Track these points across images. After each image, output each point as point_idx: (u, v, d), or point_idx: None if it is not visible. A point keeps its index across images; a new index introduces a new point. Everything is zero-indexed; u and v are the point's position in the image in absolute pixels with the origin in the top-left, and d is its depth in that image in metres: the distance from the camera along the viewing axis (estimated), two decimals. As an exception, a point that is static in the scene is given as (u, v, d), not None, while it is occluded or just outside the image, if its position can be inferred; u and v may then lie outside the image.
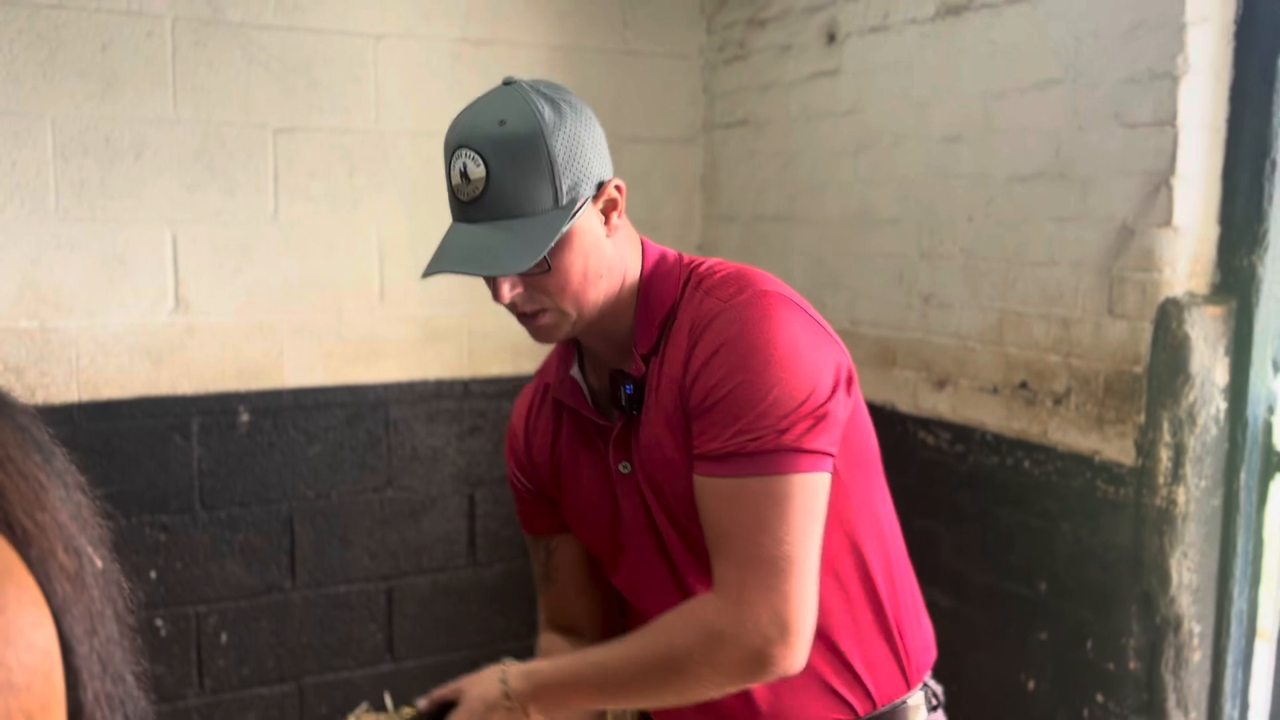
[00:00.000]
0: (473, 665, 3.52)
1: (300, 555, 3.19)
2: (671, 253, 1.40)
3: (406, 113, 3.19)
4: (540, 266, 1.23)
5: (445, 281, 3.27)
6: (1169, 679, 2.26)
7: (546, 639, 1.56)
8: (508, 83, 1.26)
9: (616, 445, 1.37)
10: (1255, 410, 2.23)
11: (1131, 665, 2.29)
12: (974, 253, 2.62)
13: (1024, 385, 2.49)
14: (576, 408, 1.41)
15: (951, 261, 2.68)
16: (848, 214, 2.99)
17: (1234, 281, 2.22)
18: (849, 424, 1.31)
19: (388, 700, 3.31)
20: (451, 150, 1.23)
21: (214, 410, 3.04)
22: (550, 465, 1.48)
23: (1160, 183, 2.19)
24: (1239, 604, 2.28)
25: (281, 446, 3.13)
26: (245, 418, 3.08)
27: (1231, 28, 2.18)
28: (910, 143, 2.79)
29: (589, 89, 3.41)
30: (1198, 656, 2.27)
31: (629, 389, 1.33)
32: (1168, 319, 2.19)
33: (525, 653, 3.61)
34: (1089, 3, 2.31)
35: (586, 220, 1.26)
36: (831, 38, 3.05)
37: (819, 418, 1.23)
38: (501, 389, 3.40)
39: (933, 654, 1.49)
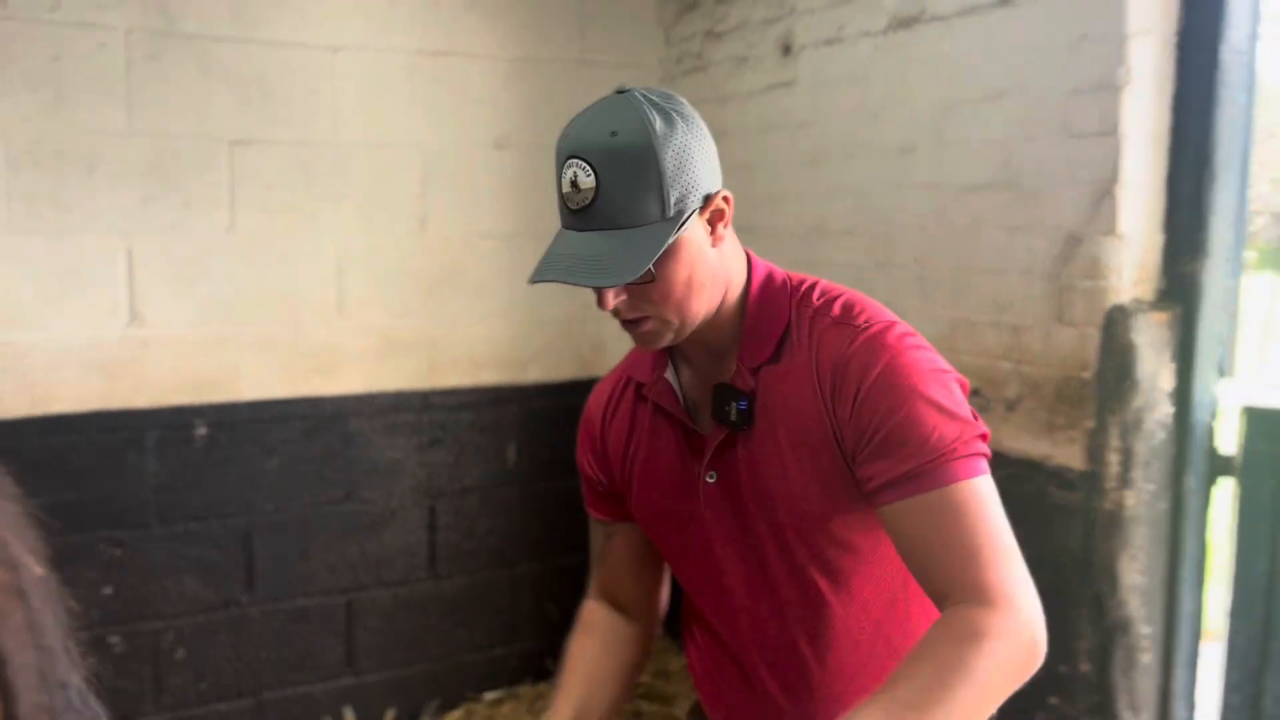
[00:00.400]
0: (433, 679, 3.52)
1: (258, 569, 3.16)
2: (778, 270, 1.43)
3: (364, 124, 3.18)
4: (645, 276, 1.25)
5: (404, 292, 3.27)
6: (1120, 680, 2.29)
7: (590, 606, 1.61)
8: (620, 91, 1.28)
9: (714, 455, 1.39)
10: (1200, 415, 2.28)
11: (1083, 667, 2.33)
12: (927, 262, 2.65)
13: (976, 393, 2.52)
14: (672, 412, 1.43)
15: (906, 271, 2.71)
16: (804, 225, 3.02)
17: (1178, 288, 2.26)
18: None
19: (349, 716, 3.29)
20: (563, 159, 1.25)
21: (170, 424, 3.01)
22: (624, 459, 1.50)
23: (1105, 191, 2.23)
24: (1187, 605, 2.32)
25: (239, 460, 3.11)
26: (202, 431, 3.05)
27: (1173, 39, 2.22)
28: (865, 154, 2.82)
29: (547, 100, 3.43)
30: (1147, 658, 2.31)
31: (743, 404, 1.35)
32: (1114, 326, 2.23)
33: (488, 664, 3.59)
34: (1035, 14, 2.35)
35: (692, 230, 1.28)
36: (787, 50, 3.08)
37: (975, 425, 1.29)
38: (462, 400, 3.40)
39: None
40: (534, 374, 3.52)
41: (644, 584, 1.59)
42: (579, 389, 3.78)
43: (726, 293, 1.36)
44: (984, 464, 1.28)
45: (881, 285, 2.78)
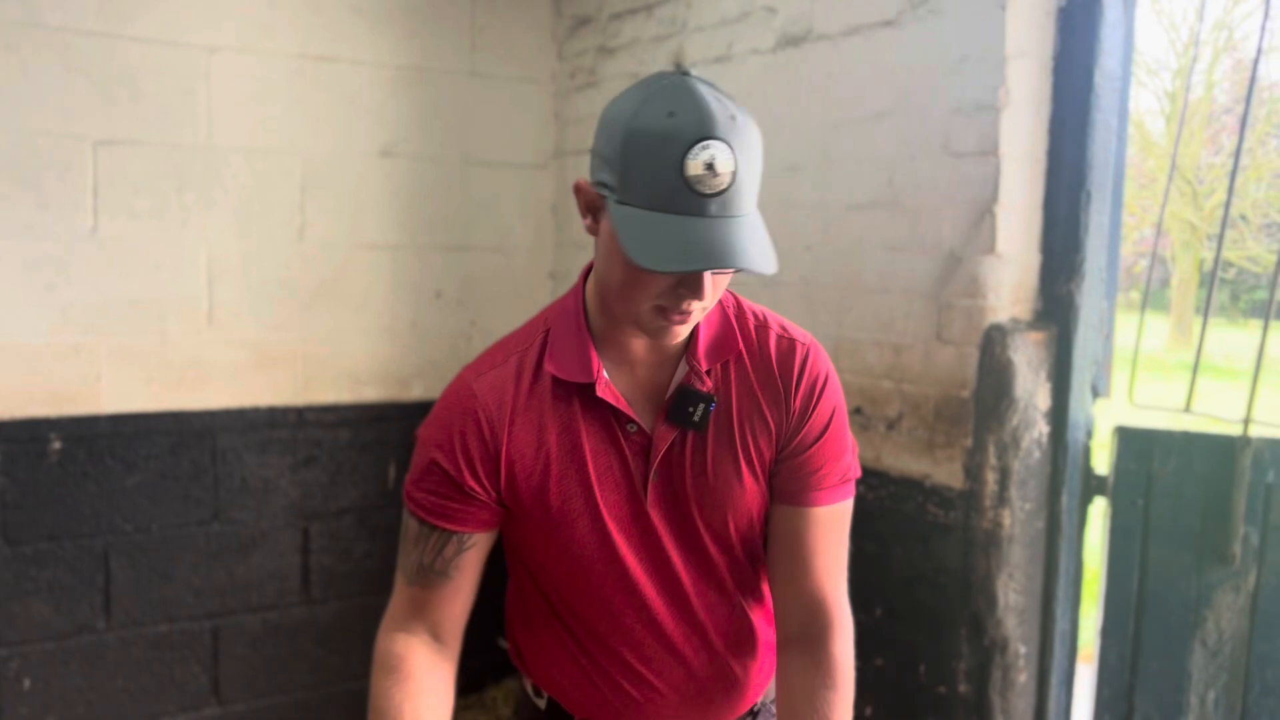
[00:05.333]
0: (304, 708, 3.36)
1: (116, 593, 2.99)
2: None
3: (241, 128, 3.06)
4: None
5: (280, 303, 3.14)
6: (997, 700, 2.28)
7: (405, 643, 1.40)
8: (684, 73, 1.19)
9: (664, 458, 1.36)
10: (1075, 434, 2.29)
11: (962, 688, 2.31)
12: (812, 280, 2.64)
13: (859, 411, 2.51)
14: (624, 412, 1.35)
15: (792, 289, 2.70)
16: (693, 242, 2.99)
17: (1054, 308, 2.28)
18: None
19: (212, 747, 3.12)
20: (692, 140, 1.13)
21: (20, 437, 2.83)
22: (535, 459, 1.36)
23: (984, 211, 2.24)
24: (1062, 625, 2.32)
25: (97, 476, 2.94)
26: (56, 446, 2.88)
27: (1050, 62, 2.26)
28: (752, 171, 2.80)
29: (436, 110, 3.35)
30: (1024, 678, 2.31)
31: (712, 405, 1.34)
32: (992, 345, 2.23)
33: (362, 695, 3.43)
34: (918, 35, 2.36)
35: None
36: (678, 67, 3.06)
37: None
38: (340, 417, 3.27)
39: None
40: (417, 391, 3.41)
41: (469, 603, 1.44)
42: (465, 408, 3.70)
43: None
44: None
45: (767, 303, 2.73)
